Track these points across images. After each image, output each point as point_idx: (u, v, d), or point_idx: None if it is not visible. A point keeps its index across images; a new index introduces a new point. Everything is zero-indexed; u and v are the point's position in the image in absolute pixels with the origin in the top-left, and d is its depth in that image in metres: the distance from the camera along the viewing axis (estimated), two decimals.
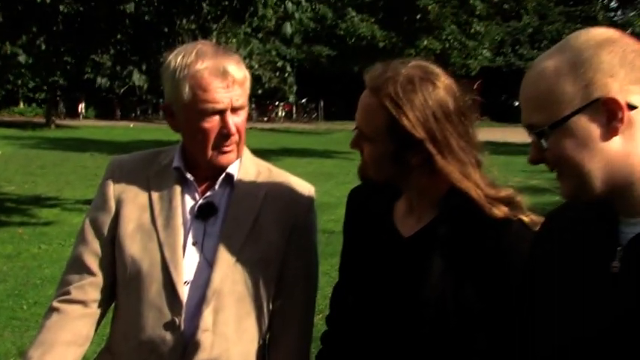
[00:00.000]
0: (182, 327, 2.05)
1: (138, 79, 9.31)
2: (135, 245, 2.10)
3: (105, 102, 40.22)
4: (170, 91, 2.07)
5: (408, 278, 1.92)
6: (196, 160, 2.14)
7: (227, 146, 2.08)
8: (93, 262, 2.14)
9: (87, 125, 35.75)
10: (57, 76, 14.80)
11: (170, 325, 2.05)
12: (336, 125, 39.17)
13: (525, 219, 1.84)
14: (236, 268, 2.09)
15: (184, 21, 9.77)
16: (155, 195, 2.15)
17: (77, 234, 2.23)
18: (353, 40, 32.92)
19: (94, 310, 2.16)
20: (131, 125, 36.65)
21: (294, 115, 45.61)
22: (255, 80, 12.37)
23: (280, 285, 2.17)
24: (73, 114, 40.64)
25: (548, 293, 1.57)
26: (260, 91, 13.40)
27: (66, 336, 2.09)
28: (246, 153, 2.23)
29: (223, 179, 2.15)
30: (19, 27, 9.11)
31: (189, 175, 2.15)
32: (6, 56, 8.94)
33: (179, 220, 2.11)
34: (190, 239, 2.11)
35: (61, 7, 8.69)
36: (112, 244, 2.14)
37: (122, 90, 10.25)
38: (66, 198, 13.43)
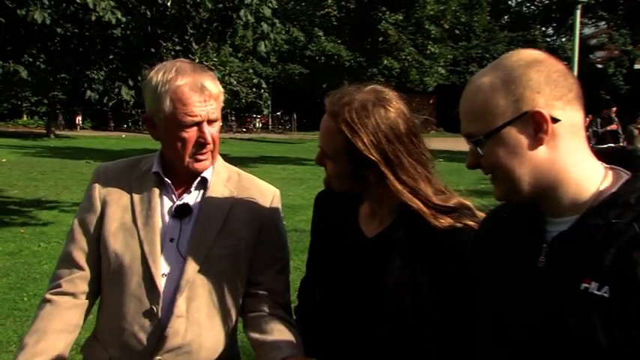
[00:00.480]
0: (159, 314, 2.06)
1: (126, 93, 9.26)
2: (118, 242, 2.10)
3: (100, 114, 39.83)
4: (151, 104, 2.06)
5: (370, 274, 1.92)
6: (174, 166, 2.13)
7: (203, 154, 2.08)
8: (81, 258, 2.13)
9: (84, 135, 35.39)
10: (56, 91, 14.61)
11: (148, 313, 2.06)
12: (308, 135, 39.19)
13: (471, 224, 1.85)
14: (207, 262, 2.09)
15: (169, 43, 9.73)
16: (136, 197, 2.14)
17: (67, 233, 2.21)
18: (322, 59, 32.98)
19: (83, 301, 2.14)
20: (123, 135, 36.33)
21: (270, 127, 45.57)
22: (234, 95, 12.31)
23: (250, 276, 2.16)
24: (71, 125, 40.27)
25: (488, 289, 1.58)
26: (238, 105, 13.35)
27: (58, 324, 2.07)
28: (219, 159, 2.23)
29: (198, 182, 2.15)
30: (21, 47, 9.00)
31: (167, 179, 2.15)
32: (9, 73, 8.78)
33: (157, 219, 2.11)
34: (168, 236, 2.11)
35: (59, 30, 8.60)
36: (97, 241, 2.13)
37: (111, 103, 10.15)
38: (64, 201, 13.25)
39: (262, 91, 13.39)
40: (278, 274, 2.20)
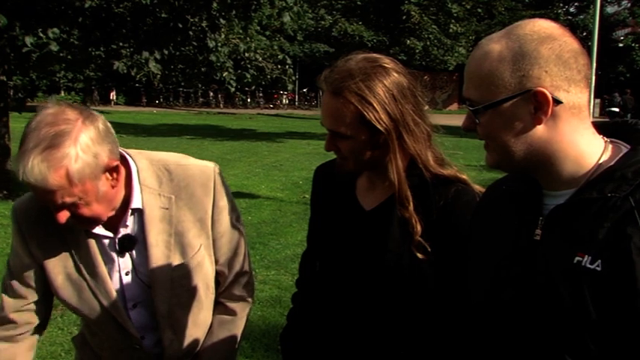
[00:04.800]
0: (144, 345, 2.00)
1: (154, 67, 9.25)
2: (70, 295, 1.90)
3: (133, 91, 40.14)
4: None
5: (369, 246, 1.86)
6: None
7: (81, 226, 1.80)
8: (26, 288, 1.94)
9: (117, 110, 35.62)
10: (89, 71, 14.65)
11: (130, 348, 1.99)
12: None
13: (469, 196, 1.81)
14: (173, 284, 1.93)
15: (196, 18, 9.65)
16: (71, 241, 1.86)
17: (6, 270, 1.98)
18: (346, 39, 32.87)
19: (34, 338, 2.02)
20: (154, 111, 36.56)
21: (297, 103, 45.52)
22: (259, 71, 12.24)
23: (216, 265, 2.06)
24: (106, 101, 40.60)
25: (484, 260, 1.53)
26: (264, 82, 13.29)
27: None
28: (143, 167, 1.91)
29: (132, 214, 1.88)
30: (53, 22, 8.97)
31: None
32: (40, 46, 8.76)
33: (100, 264, 1.87)
34: (123, 271, 1.91)
35: (87, 4, 8.55)
36: (44, 285, 1.93)
37: (138, 76, 10.18)
38: None
39: (287, 67, 13.28)
40: (235, 254, 2.07)
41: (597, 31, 18.71)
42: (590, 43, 18.83)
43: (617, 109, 29.40)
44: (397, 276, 1.80)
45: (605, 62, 31.70)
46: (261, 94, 42.72)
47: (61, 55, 9.35)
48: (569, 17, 45.77)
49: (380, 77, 1.75)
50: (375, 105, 1.73)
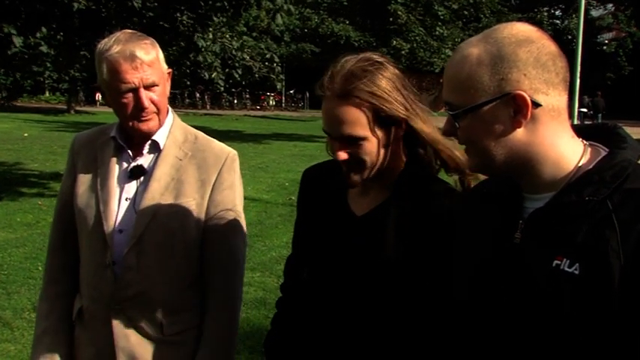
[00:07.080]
0: (113, 267, 2.14)
1: None
2: (83, 202, 2.20)
3: None
4: (97, 73, 2.11)
5: (361, 253, 1.82)
6: (126, 129, 2.18)
7: (144, 117, 2.12)
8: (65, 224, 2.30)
9: (102, 111, 35.45)
10: (75, 71, 14.51)
11: (104, 266, 2.14)
12: (320, 113, 38.95)
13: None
14: (156, 219, 2.14)
15: (185, 17, 9.60)
16: (99, 161, 2.23)
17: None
18: (333, 39, 32.87)
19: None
20: None
21: (284, 104, 45.47)
22: (247, 70, 12.18)
23: (204, 234, 2.20)
24: (91, 101, 40.38)
25: (464, 259, 1.54)
26: (251, 79, 13.23)
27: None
28: (177, 122, 2.28)
29: (150, 145, 2.21)
30: (40, 21, 8.89)
31: (122, 143, 2.21)
32: (31, 47, 8.70)
33: (113, 181, 2.19)
34: (124, 195, 2.19)
35: (75, 5, 8.46)
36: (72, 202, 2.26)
37: None
38: None
39: (275, 65, 13.23)
40: (225, 233, 2.21)
41: (582, 35, 18.79)
42: (574, 47, 18.89)
43: (585, 110, 32.20)
44: (390, 282, 1.77)
45: (590, 66, 32.07)
46: (247, 96, 42.65)
47: (47, 52, 9.28)
48: (554, 20, 46.05)
49: (381, 72, 1.75)
50: (386, 98, 1.72)
